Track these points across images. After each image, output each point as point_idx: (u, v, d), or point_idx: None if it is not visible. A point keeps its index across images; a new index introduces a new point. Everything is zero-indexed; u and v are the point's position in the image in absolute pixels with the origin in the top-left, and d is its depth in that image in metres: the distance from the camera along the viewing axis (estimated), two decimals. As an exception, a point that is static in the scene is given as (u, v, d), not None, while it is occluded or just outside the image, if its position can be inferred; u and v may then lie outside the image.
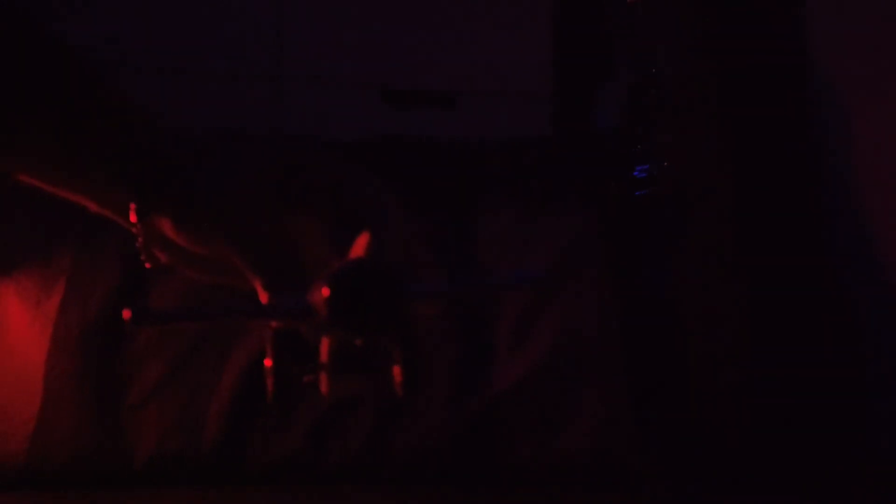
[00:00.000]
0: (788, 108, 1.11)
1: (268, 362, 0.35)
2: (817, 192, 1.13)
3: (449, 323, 0.92)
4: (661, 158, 1.05)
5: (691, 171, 1.05)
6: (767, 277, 1.00)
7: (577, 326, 0.94)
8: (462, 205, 1.00)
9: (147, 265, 0.38)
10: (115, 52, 1.04)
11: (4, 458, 0.88)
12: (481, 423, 0.88)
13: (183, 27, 1.13)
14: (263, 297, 0.35)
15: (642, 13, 1.13)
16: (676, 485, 0.92)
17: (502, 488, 0.88)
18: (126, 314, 0.30)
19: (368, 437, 0.89)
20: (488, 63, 1.23)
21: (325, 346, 0.34)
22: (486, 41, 1.21)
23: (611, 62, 1.20)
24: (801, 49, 1.21)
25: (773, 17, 1.16)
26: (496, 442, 0.87)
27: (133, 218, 0.36)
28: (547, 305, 0.93)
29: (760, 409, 0.95)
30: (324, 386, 0.34)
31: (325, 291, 0.29)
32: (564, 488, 0.87)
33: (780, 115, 1.10)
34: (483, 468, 0.88)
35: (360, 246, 0.34)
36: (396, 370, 0.33)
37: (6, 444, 0.88)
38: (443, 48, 1.22)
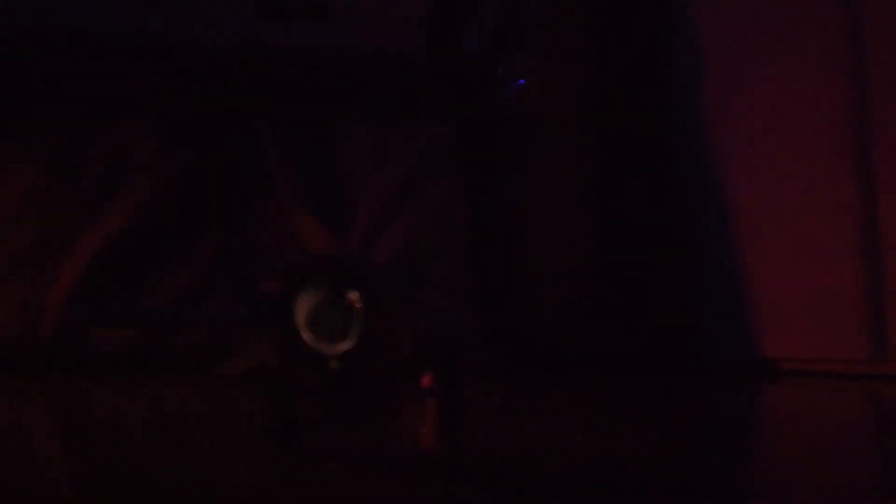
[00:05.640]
0: (650, 50, 1.16)
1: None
2: (670, 135, 1.20)
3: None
4: (522, 83, 1.08)
5: (550, 100, 1.09)
6: (614, 209, 1.07)
7: (419, 236, 1.01)
8: (321, 117, 1.01)
9: None
10: None
11: None
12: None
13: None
14: None
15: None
16: (514, 377, 1.02)
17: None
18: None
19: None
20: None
21: None
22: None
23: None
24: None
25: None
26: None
27: None
28: (397, 216, 0.98)
29: (596, 317, 1.05)
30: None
31: None
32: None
33: (642, 55, 1.15)
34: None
35: None
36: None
37: None
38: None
